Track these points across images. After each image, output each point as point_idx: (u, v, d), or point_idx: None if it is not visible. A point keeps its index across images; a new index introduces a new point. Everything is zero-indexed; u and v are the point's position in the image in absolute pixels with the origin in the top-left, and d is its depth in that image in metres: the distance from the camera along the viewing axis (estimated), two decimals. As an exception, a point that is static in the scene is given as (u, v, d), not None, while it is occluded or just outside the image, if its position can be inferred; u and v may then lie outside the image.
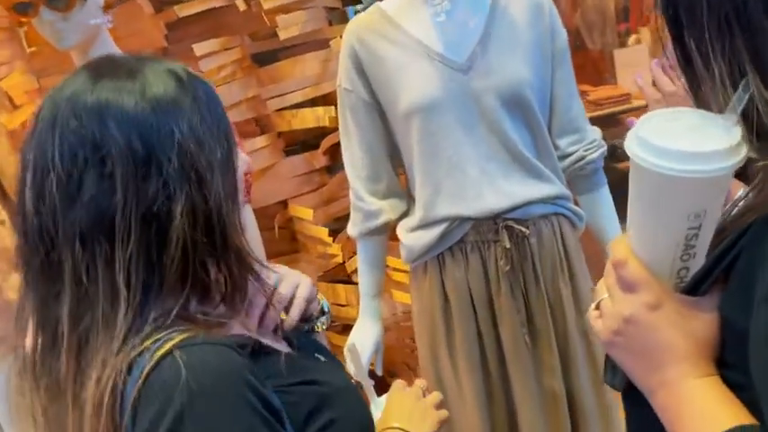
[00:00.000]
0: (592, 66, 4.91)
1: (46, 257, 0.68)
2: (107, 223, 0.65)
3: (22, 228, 0.69)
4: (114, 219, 0.65)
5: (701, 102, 0.59)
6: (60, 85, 0.71)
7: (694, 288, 0.57)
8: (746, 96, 0.53)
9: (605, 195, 1.50)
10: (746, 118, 0.53)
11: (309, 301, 0.87)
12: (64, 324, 0.67)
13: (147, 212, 0.66)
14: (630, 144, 0.56)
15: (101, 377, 0.64)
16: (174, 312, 0.67)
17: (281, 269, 0.88)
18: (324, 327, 0.91)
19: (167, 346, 0.65)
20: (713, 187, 0.54)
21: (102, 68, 0.71)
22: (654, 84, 1.20)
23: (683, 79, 0.60)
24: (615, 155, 1.64)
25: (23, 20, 1.49)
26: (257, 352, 0.71)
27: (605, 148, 1.49)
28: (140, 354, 0.65)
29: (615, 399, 1.46)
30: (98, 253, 0.66)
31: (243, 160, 0.77)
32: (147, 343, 0.66)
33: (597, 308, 0.62)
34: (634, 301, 0.57)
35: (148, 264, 0.66)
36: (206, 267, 0.69)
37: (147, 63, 0.72)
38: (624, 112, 4.36)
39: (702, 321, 0.56)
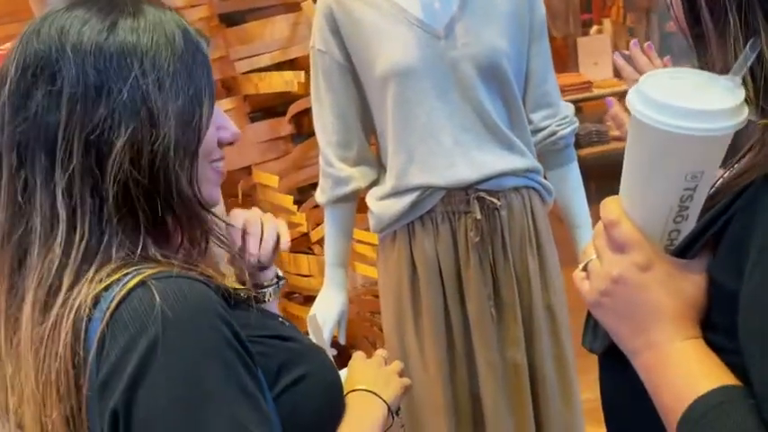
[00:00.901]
0: (555, 53, 4.98)
1: None
2: (49, 140, 0.65)
3: None
4: (56, 137, 0.65)
5: (704, 62, 0.58)
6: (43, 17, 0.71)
7: (684, 250, 0.57)
8: (753, 56, 0.52)
9: (574, 171, 1.52)
10: (752, 79, 0.53)
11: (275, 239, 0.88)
12: None
13: (88, 138, 0.65)
14: (632, 99, 0.55)
15: (58, 313, 0.62)
16: (139, 251, 0.66)
17: (239, 217, 0.87)
18: (274, 296, 0.89)
19: (139, 277, 0.62)
20: (714, 147, 0.54)
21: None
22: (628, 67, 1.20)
23: (688, 39, 0.60)
24: (576, 141, 1.66)
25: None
26: (227, 299, 0.69)
27: (577, 124, 1.50)
28: (107, 287, 0.62)
29: (576, 374, 1.49)
30: (37, 169, 0.65)
31: (231, 132, 0.76)
32: (116, 276, 0.63)
33: (584, 269, 0.61)
34: (624, 261, 0.57)
35: (92, 193, 0.65)
36: (157, 213, 0.67)
37: (147, 7, 0.71)
38: (585, 99, 4.45)
39: (691, 283, 0.56)
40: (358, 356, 0.89)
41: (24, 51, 0.67)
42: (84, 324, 0.61)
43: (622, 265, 0.57)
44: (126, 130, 0.65)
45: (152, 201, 0.67)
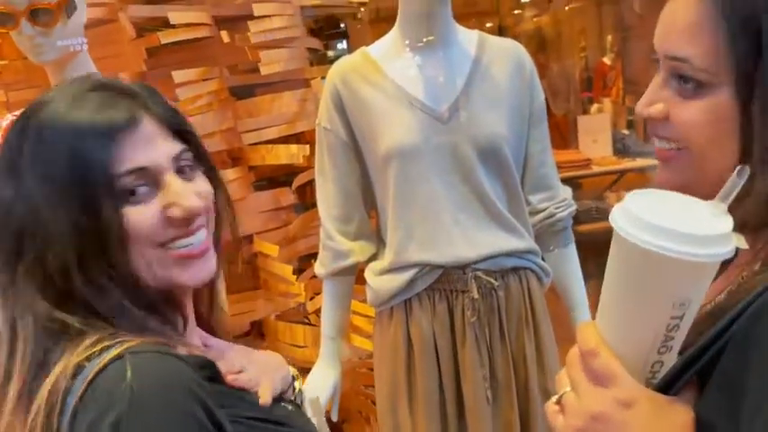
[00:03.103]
0: (555, 130, 5.08)
1: None
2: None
3: None
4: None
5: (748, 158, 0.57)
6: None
7: (668, 384, 0.53)
8: (741, 183, 0.51)
9: (572, 253, 1.53)
10: (738, 207, 0.52)
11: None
12: None
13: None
14: (618, 218, 0.52)
15: (40, 386, 0.62)
16: (127, 323, 0.66)
17: (240, 359, 0.78)
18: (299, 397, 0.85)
19: (119, 350, 0.62)
20: (704, 275, 0.51)
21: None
22: None
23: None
24: (575, 217, 1.68)
25: (2, 31, 1.46)
26: (215, 378, 0.68)
27: (574, 207, 1.52)
28: (89, 358, 0.62)
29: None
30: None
31: (183, 207, 0.70)
32: (99, 347, 0.63)
33: (558, 402, 0.57)
34: (605, 396, 0.52)
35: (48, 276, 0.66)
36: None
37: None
38: (585, 176, 4.51)
39: (677, 425, 0.52)
40: None
41: None
42: (61, 395, 0.61)
43: (603, 400, 0.52)
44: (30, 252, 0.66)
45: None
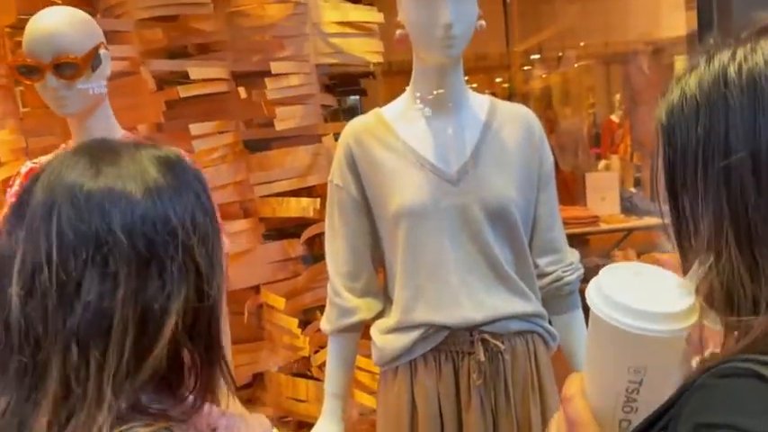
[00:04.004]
0: (563, 186, 5.10)
1: (31, 359, 0.62)
2: (105, 325, 0.61)
3: (2, 324, 0.63)
4: (112, 320, 0.61)
5: (686, 256, 0.60)
6: (57, 169, 0.67)
7: None
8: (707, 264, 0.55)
9: (579, 318, 1.52)
10: (709, 285, 0.55)
11: None
12: None
13: (144, 312, 0.62)
14: (589, 289, 0.59)
15: None
16: (142, 404, 0.64)
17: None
18: None
19: None
20: (654, 346, 0.56)
21: (100, 155, 0.68)
22: None
23: (671, 234, 0.62)
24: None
25: (27, 83, 1.50)
26: None
27: (582, 271, 1.53)
28: None
29: None
30: (91, 356, 0.61)
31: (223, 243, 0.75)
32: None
33: None
34: None
35: (136, 363, 0.62)
36: (180, 358, 0.66)
37: (144, 150, 0.69)
38: (591, 233, 4.52)
39: None
40: None
41: (60, 229, 0.62)
42: None
43: None
44: (180, 293, 0.63)
45: (183, 349, 0.66)
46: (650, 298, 0.56)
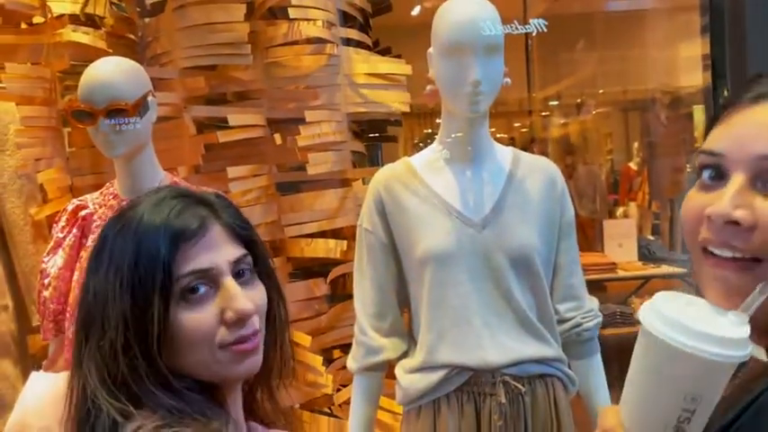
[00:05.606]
0: (581, 232, 5.12)
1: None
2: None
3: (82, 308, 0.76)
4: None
5: None
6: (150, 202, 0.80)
7: None
8: (762, 298, 0.57)
9: (597, 363, 1.56)
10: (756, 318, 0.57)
11: None
12: None
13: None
14: (645, 313, 0.58)
15: None
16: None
17: None
18: None
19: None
20: (716, 373, 0.55)
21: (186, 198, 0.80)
22: None
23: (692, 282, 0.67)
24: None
25: (80, 126, 1.61)
26: None
27: (601, 318, 1.57)
28: None
29: None
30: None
31: (235, 310, 0.77)
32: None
33: None
34: None
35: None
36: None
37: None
38: (609, 280, 4.53)
39: None
40: None
41: (139, 247, 0.74)
42: None
43: None
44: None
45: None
46: (711, 323, 0.55)
